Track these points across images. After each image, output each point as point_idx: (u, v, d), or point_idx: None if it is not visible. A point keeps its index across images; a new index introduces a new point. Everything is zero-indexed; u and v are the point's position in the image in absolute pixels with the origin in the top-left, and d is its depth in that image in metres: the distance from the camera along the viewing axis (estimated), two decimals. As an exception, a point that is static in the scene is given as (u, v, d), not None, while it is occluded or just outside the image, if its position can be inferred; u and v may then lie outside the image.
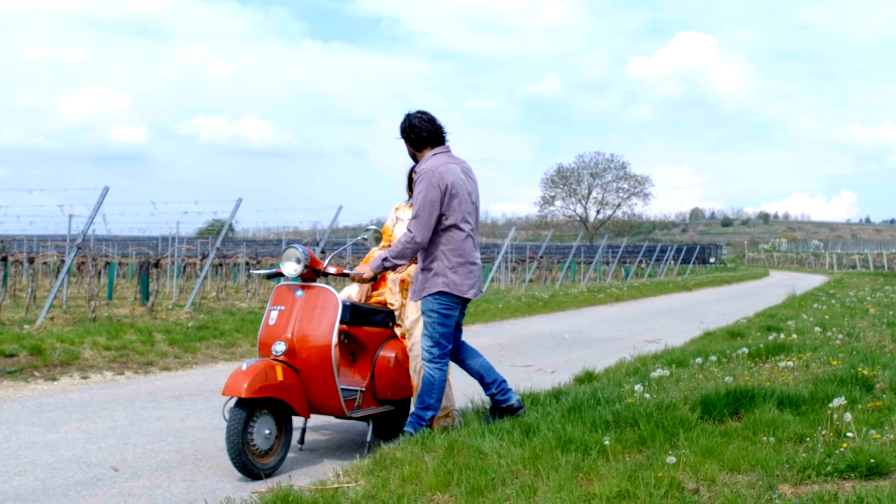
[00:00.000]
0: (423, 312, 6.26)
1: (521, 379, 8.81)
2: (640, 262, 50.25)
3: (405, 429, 6.17)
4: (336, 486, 4.82)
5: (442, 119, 6.36)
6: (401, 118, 6.38)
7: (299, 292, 6.01)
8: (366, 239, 6.62)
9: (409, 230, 6.10)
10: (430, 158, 6.28)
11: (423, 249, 6.22)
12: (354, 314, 6.27)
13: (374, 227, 6.69)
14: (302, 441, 6.37)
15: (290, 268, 6.06)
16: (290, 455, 6.09)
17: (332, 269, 6.28)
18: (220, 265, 22.90)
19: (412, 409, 6.50)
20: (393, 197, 6.61)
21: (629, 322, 18.40)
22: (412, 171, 6.59)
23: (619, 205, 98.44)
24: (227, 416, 5.52)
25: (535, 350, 13.01)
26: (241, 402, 5.49)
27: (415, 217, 6.09)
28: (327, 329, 5.83)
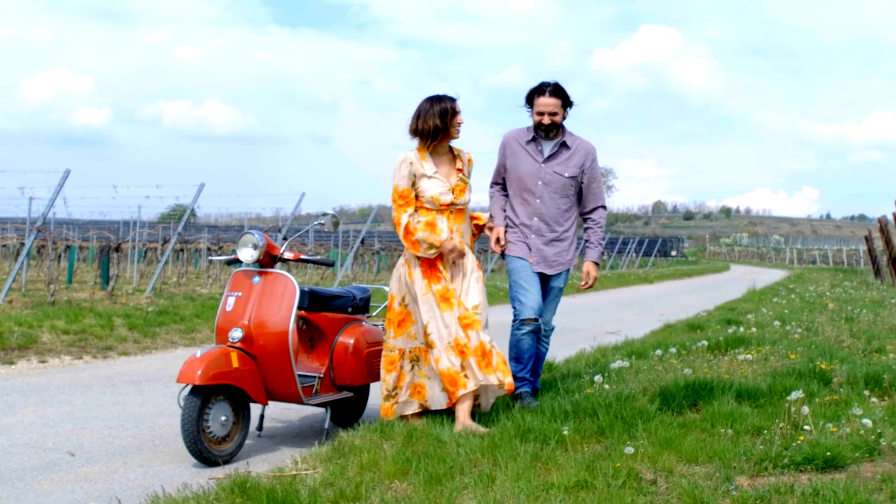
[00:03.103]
0: (561, 287, 6.85)
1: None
2: (602, 253, 50.45)
3: (523, 391, 6.64)
4: (294, 472, 4.79)
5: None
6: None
7: (256, 278, 5.94)
8: (322, 224, 6.55)
9: (604, 207, 6.71)
10: (577, 135, 6.61)
11: (560, 216, 6.64)
12: (313, 300, 6.23)
13: (331, 212, 6.62)
14: (260, 428, 6.33)
15: (247, 254, 5.99)
16: (248, 442, 6.04)
17: (288, 255, 6.22)
18: (182, 250, 22.76)
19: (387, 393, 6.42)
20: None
21: (590, 313, 18.46)
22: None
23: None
24: (181, 403, 5.47)
25: (496, 339, 12.96)
26: (195, 390, 5.42)
27: (599, 190, 6.63)
28: (285, 315, 5.78)
